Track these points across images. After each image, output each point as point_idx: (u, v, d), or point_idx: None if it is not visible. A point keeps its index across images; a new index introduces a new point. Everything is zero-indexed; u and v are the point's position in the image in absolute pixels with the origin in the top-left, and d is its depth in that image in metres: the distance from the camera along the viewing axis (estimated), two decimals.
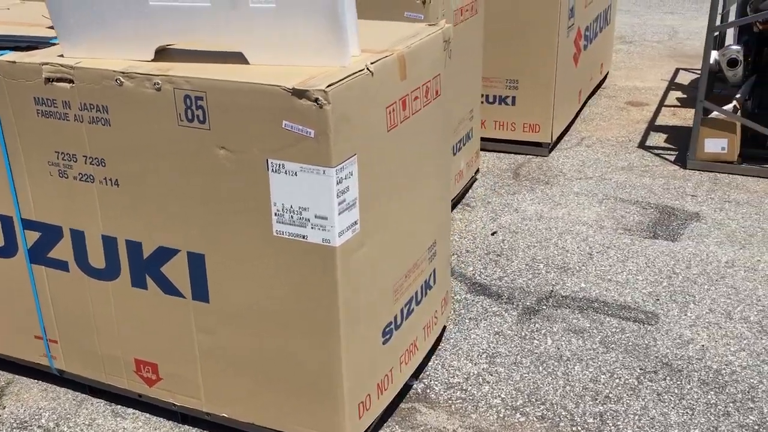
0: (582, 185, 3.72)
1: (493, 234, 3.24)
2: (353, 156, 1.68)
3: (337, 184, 1.63)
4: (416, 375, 2.30)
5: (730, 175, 3.77)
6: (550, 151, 4.17)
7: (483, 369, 2.36)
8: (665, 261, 2.98)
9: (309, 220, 1.68)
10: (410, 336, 2.14)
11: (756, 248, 3.06)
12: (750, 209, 3.40)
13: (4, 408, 2.24)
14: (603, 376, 2.31)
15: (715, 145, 3.79)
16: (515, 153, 4.17)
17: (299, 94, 1.57)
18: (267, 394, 1.93)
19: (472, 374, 2.34)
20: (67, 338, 2.17)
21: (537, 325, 2.58)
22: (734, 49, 3.78)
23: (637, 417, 2.14)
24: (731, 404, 2.18)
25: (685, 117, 4.60)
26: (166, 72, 1.72)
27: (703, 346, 2.45)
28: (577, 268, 2.95)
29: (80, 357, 2.18)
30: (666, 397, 2.22)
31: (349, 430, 1.87)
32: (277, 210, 1.70)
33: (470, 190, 3.70)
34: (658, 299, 2.71)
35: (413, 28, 2.08)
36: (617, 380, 2.30)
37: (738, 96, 3.82)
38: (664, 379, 2.29)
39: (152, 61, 1.81)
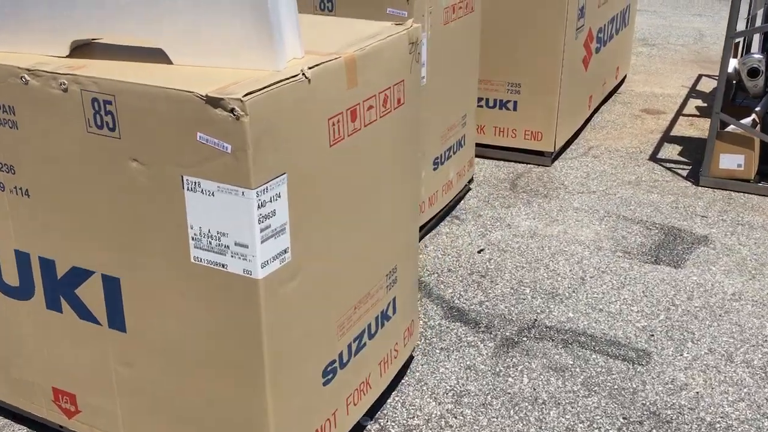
0: (583, 200, 3.45)
1: (479, 252, 3.00)
2: (282, 175, 1.45)
3: (260, 207, 1.40)
4: (371, 414, 2.07)
5: (746, 195, 3.48)
6: (553, 161, 3.90)
7: (447, 410, 2.12)
8: (665, 290, 2.71)
9: (228, 248, 1.45)
10: (361, 373, 1.91)
11: (767, 279, 2.78)
12: (764, 234, 3.11)
13: None
14: (581, 426, 2.06)
15: (730, 161, 3.50)
16: (516, 161, 3.91)
17: (214, 102, 1.34)
18: None
19: (434, 415, 2.10)
20: None
21: (514, 359, 2.34)
22: (756, 57, 3.48)
23: None
24: None
25: (704, 128, 4.30)
26: (74, 71, 1.50)
27: (697, 393, 2.19)
28: (567, 294, 2.69)
29: (2, 381, 1.99)
30: None
31: None
32: (195, 234, 1.48)
33: (462, 201, 3.45)
34: (652, 335, 2.45)
35: (375, 28, 1.83)
36: (596, 431, 2.04)
37: (758, 109, 3.52)
38: None
39: (67, 57, 1.60)
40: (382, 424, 2.07)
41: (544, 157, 3.87)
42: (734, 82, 3.74)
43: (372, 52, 1.69)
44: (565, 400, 2.15)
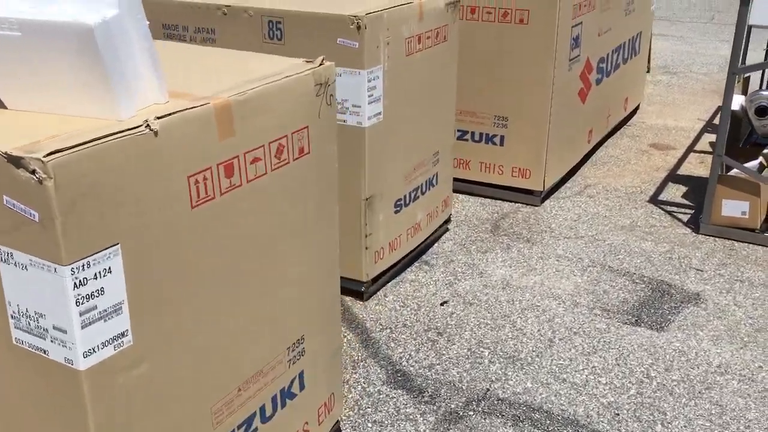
0: (568, 246, 3.16)
1: (442, 304, 2.73)
2: (112, 246, 1.22)
3: (77, 287, 1.17)
4: None
5: (750, 246, 3.14)
6: (543, 200, 3.62)
7: None
8: (641, 358, 2.40)
9: (47, 331, 1.23)
10: None
11: (760, 349, 2.45)
12: (764, 293, 2.77)
13: None
14: None
15: (734, 208, 3.17)
16: (503, 200, 3.63)
17: (15, 162, 1.12)
18: None
19: None
20: None
21: None
22: (764, 95, 3.17)
23: None
24: None
25: None
26: None
27: None
28: (529, 359, 2.40)
29: None
30: None
31: None
32: (13, 312, 1.25)
33: (436, 244, 3.19)
34: (617, 414, 2.15)
35: (275, 66, 1.60)
36: None
37: (766, 151, 3.19)
38: None
39: None
40: None
41: (533, 196, 3.59)
42: (746, 120, 3.42)
43: (256, 97, 1.46)
44: None
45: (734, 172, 3.17)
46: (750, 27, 3.44)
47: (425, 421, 2.13)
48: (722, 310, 2.67)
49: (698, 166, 4.08)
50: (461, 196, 3.68)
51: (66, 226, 1.13)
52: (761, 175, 3.08)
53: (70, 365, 1.22)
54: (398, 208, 2.78)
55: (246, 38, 2.53)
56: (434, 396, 2.23)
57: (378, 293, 2.79)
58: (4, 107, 1.33)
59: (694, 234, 3.26)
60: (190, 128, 1.33)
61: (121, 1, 1.23)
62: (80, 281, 1.17)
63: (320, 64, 1.63)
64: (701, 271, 2.95)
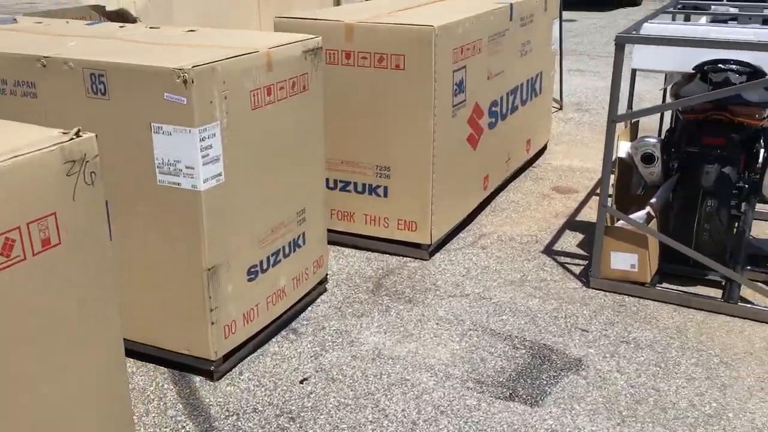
0: (452, 306, 2.94)
1: (301, 382, 2.46)
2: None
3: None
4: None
5: (641, 301, 2.97)
6: (432, 254, 3.40)
7: None
8: None
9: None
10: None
11: (639, 425, 2.25)
12: (650, 357, 2.59)
13: None
14: None
15: (623, 261, 3.01)
16: (391, 254, 3.41)
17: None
18: None
19: None
20: None
21: None
22: (650, 141, 3.02)
23: None
24: None
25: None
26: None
27: None
28: None
29: None
30: None
31: None
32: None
33: (310, 307, 2.93)
34: None
35: (24, 139, 1.34)
36: None
37: (653, 201, 3.04)
38: None
39: None
40: None
41: (421, 250, 3.37)
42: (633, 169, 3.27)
43: None
44: None
45: (620, 224, 3.01)
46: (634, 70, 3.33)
47: None
48: (603, 378, 2.47)
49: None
50: (347, 251, 3.44)
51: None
52: (647, 227, 2.92)
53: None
54: (253, 276, 2.51)
55: (69, 93, 2.24)
56: None
57: (232, 371, 2.51)
58: None
59: (585, 288, 3.08)
60: None
61: None
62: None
63: (74, 137, 1.37)
64: (586, 331, 2.75)
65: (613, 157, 3.14)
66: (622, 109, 3.09)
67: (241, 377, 2.49)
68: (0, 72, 2.38)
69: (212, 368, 2.43)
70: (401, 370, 2.52)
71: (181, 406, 2.31)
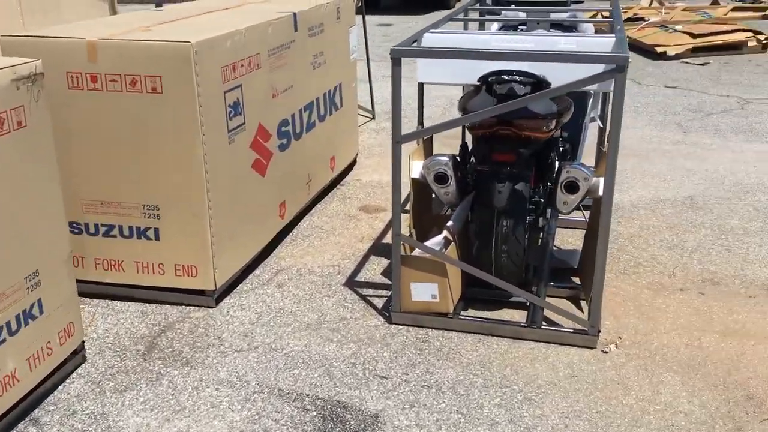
0: (236, 365, 2.55)
1: None
2: None
3: None
4: None
5: (445, 334, 2.74)
6: (219, 299, 2.99)
7: None
8: None
9: None
10: None
11: None
12: (452, 402, 2.34)
13: None
14: None
15: (424, 291, 2.77)
16: (171, 304, 2.96)
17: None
18: None
19: None
20: None
21: None
22: (442, 160, 2.80)
23: None
24: None
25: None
26: None
27: None
28: None
29: None
30: None
31: None
32: None
33: (61, 386, 2.42)
34: None
35: None
36: None
37: (450, 224, 2.83)
38: None
39: None
40: None
41: (205, 297, 2.95)
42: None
43: None
44: None
45: (417, 252, 2.77)
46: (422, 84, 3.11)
47: None
48: None
49: (407, 231, 3.70)
50: (118, 305, 2.95)
51: None
52: (444, 254, 2.70)
53: None
54: None
55: None
56: None
57: None
58: None
59: (387, 325, 2.80)
60: None
61: None
62: None
63: None
64: (386, 378, 2.47)
65: (410, 177, 2.90)
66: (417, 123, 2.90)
67: None
68: None
69: None
70: None
71: None
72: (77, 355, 2.52)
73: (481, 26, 4.09)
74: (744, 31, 8.13)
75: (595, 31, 3.72)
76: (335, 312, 2.91)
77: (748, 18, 9.29)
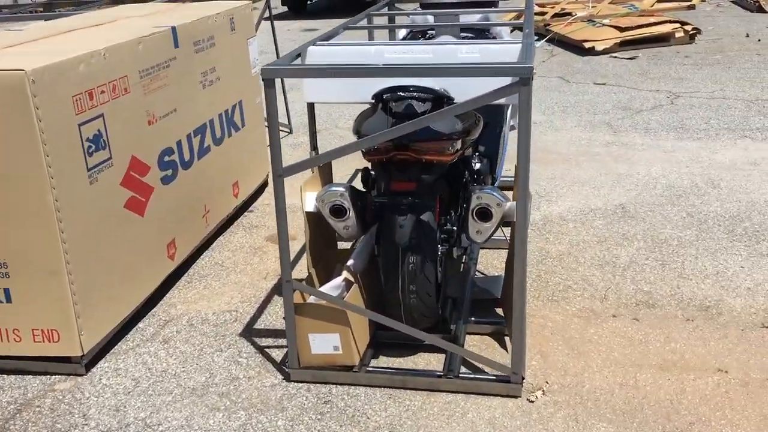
0: None
1: None
2: None
3: None
4: None
5: (351, 390, 2.39)
6: (90, 365, 2.57)
7: None
8: None
9: None
10: None
11: None
12: None
13: None
14: None
15: (324, 343, 2.40)
16: (34, 374, 2.53)
17: None
18: None
19: None
20: None
21: None
22: (337, 191, 2.44)
23: None
24: None
25: None
26: None
27: None
28: None
29: None
30: None
31: None
32: None
33: None
34: None
35: None
36: None
37: (350, 262, 2.48)
38: None
39: None
40: None
41: (72, 364, 2.53)
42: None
43: None
44: None
45: (312, 299, 2.41)
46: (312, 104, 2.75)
47: None
48: None
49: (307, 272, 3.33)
50: None
51: None
52: (343, 301, 2.34)
53: None
54: None
55: None
56: None
57: None
58: None
59: (285, 384, 2.43)
60: None
61: None
62: None
63: None
64: None
65: (302, 211, 2.54)
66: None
67: None
68: None
69: None
70: None
71: None
72: None
73: (391, 33, 3.77)
74: (671, 22, 8.02)
75: (511, 33, 3.43)
76: (226, 371, 2.52)
77: (674, 9, 9.22)
